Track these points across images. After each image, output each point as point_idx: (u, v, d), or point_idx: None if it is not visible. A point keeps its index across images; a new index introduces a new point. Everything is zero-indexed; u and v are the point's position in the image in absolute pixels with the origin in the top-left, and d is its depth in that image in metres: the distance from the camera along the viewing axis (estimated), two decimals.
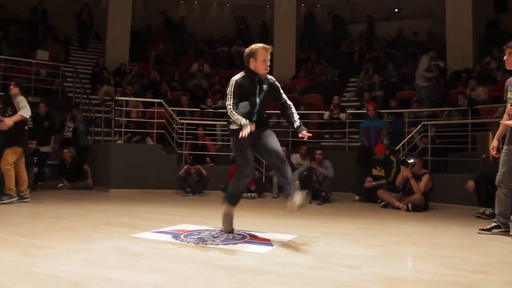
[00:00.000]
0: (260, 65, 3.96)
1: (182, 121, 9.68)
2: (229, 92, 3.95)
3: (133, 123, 9.63)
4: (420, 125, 8.67)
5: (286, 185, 3.90)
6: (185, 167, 8.69)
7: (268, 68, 4.01)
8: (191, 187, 8.53)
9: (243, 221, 5.25)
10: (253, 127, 3.77)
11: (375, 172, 8.13)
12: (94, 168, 9.26)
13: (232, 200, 4.23)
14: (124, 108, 9.65)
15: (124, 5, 14.12)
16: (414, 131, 8.76)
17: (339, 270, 2.93)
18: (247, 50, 4.03)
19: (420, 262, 3.30)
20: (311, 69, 13.96)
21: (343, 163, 8.96)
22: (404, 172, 7.11)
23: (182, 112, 10.67)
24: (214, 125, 10.57)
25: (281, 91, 4.13)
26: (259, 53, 3.94)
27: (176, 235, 3.98)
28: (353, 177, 8.77)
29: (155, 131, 9.38)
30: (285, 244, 3.77)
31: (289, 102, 4.13)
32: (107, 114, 10.25)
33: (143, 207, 4.79)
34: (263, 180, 9.08)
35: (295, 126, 4.04)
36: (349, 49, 14.70)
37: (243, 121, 3.74)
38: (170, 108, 9.75)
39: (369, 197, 7.85)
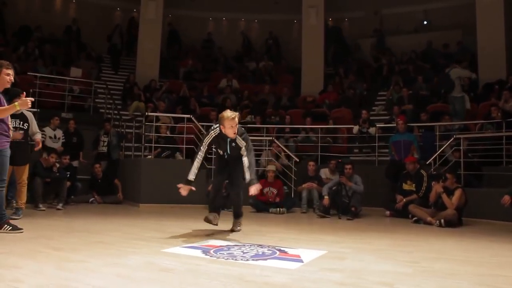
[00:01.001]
0: (228, 131, 4.87)
1: None
2: (204, 141, 5.09)
3: (162, 139, 9.76)
4: (452, 138, 8.50)
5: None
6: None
7: (236, 132, 4.89)
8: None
9: (272, 236, 5.26)
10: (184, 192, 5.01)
11: (405, 186, 7.99)
12: (124, 183, 9.41)
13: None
14: (154, 124, 9.79)
15: (154, 22, 14.42)
16: (445, 145, 8.58)
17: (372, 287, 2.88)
18: (220, 116, 4.95)
19: (457, 280, 3.20)
20: (339, 83, 13.91)
21: (373, 177, 8.85)
22: (436, 187, 6.97)
23: (211, 127, 10.73)
24: None
25: (243, 148, 4.97)
26: (225, 123, 4.83)
27: (205, 250, 4.00)
28: (383, 192, 8.64)
29: (184, 146, 9.48)
30: (316, 260, 3.73)
31: (246, 160, 4.97)
32: (138, 129, 10.44)
33: (173, 222, 4.84)
34: (292, 195, 9.02)
35: (246, 180, 4.96)
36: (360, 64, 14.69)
37: (190, 175, 5.00)
38: (200, 123, 9.85)
39: (400, 212, 7.72)
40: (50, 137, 8.97)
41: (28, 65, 12.22)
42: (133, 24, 15.64)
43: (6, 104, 4.75)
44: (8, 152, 4.73)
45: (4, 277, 2.89)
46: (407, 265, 3.63)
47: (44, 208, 7.48)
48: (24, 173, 6.30)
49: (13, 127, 6.10)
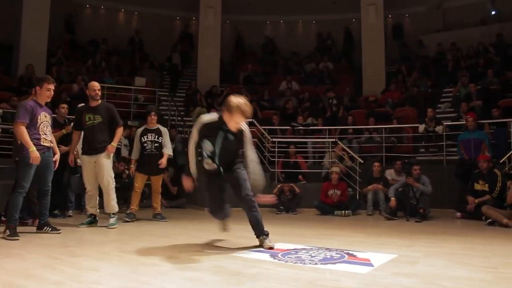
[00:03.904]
0: (231, 124, 4.11)
1: (273, 139, 9.80)
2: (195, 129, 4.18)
3: None
4: None
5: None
6: (279, 185, 8.76)
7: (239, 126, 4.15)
8: (284, 205, 8.57)
9: (339, 239, 5.19)
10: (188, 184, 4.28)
11: (477, 186, 7.61)
12: None
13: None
14: None
15: (213, 29, 14.70)
16: None
17: None
18: (228, 100, 4.09)
19: None
20: (402, 81, 13.53)
21: (441, 178, 8.52)
22: None
23: (273, 130, 10.80)
24: (305, 143, 10.58)
25: (246, 141, 4.21)
26: (236, 115, 4.04)
27: (273, 254, 4.00)
28: (453, 192, 8.30)
29: None
30: (386, 264, 3.64)
31: (253, 155, 4.24)
32: None
33: (239, 225, 4.88)
34: (357, 197, 8.87)
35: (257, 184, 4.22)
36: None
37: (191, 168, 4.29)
38: (262, 127, 9.92)
39: (473, 214, 7.37)
40: (125, 145, 9.40)
41: (96, 76, 12.79)
42: (186, 36, 15.98)
43: (48, 115, 5.27)
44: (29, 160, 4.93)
45: (85, 278, 3.05)
46: (485, 271, 3.45)
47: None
48: (158, 182, 7.16)
49: (149, 141, 6.94)
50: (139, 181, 7.04)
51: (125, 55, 15.33)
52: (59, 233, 5.22)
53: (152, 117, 7.04)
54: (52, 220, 6.23)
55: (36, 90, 5.18)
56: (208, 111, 11.76)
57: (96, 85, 6.11)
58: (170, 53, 15.32)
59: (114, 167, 8.15)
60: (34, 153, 4.90)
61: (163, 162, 7.02)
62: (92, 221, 6.12)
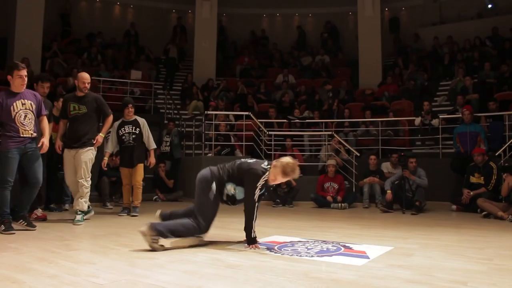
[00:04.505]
0: (276, 181, 4.12)
1: (270, 132, 9.80)
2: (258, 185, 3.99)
3: (222, 136, 9.90)
4: None
5: None
6: None
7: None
8: (280, 198, 8.58)
9: (335, 232, 5.21)
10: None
11: (473, 179, 7.64)
12: (186, 181, 9.62)
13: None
14: (213, 122, 9.95)
15: (209, 22, 14.65)
16: None
17: (443, 286, 2.77)
18: (284, 165, 3.99)
19: None
20: (398, 75, 13.54)
21: (437, 170, 8.54)
22: (508, 180, 6.64)
23: (270, 123, 10.80)
24: (302, 136, 10.59)
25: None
26: (284, 176, 4.01)
27: (270, 247, 4.01)
28: (449, 185, 8.33)
29: (244, 143, 9.58)
30: (382, 257, 3.66)
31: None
32: (197, 128, 10.63)
33: (235, 219, 4.88)
34: (353, 190, 8.89)
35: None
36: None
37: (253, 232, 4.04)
38: (258, 120, 9.91)
39: (468, 207, 7.41)
40: None
41: (92, 70, 12.74)
42: (182, 30, 15.91)
43: (27, 101, 4.93)
44: (12, 153, 4.77)
45: (81, 272, 3.05)
46: (479, 263, 3.47)
47: (111, 207, 7.80)
48: (138, 175, 6.70)
49: (126, 133, 6.64)
50: (125, 176, 6.80)
51: (121, 48, 15.24)
52: (34, 229, 4.93)
53: (130, 109, 6.80)
54: (48, 214, 6.25)
55: (8, 79, 4.93)
56: (205, 105, 11.77)
57: (86, 77, 5.90)
58: (167, 46, 15.22)
59: (111, 161, 8.13)
60: None
61: (152, 161, 6.92)
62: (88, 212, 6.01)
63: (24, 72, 4.89)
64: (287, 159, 4.02)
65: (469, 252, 3.95)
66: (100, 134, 5.91)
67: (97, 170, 7.18)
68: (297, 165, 4.02)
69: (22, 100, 4.90)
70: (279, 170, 3.96)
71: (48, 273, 2.98)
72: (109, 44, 14.94)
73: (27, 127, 4.89)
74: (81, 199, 5.71)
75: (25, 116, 4.88)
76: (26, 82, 4.97)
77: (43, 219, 5.82)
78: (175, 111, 12.17)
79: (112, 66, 13.70)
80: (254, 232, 4.01)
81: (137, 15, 16.62)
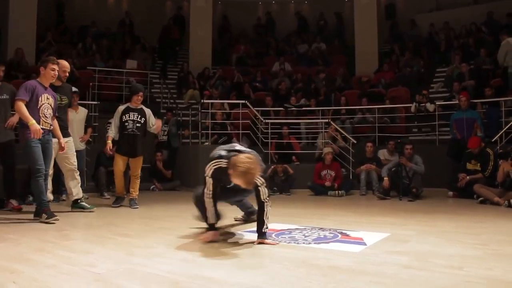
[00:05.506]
0: (236, 182, 3.54)
1: (266, 120, 9.79)
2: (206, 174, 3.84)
3: (218, 125, 9.89)
4: None
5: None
6: (272, 166, 8.78)
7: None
8: (278, 186, 8.60)
9: (332, 219, 5.24)
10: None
11: (470, 166, 7.66)
12: (183, 170, 9.62)
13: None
14: (209, 111, 9.92)
15: (204, 10, 14.55)
16: None
17: (439, 271, 2.79)
18: (232, 161, 3.49)
19: None
20: (395, 62, 13.50)
21: (434, 157, 8.57)
22: (504, 165, 6.66)
23: (266, 112, 10.78)
24: (299, 124, 10.59)
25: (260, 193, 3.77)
26: (234, 178, 3.49)
27: (267, 235, 4.02)
28: (445, 172, 8.36)
29: (240, 131, 9.57)
30: (379, 243, 3.68)
31: (264, 205, 3.75)
32: (194, 117, 10.61)
33: (232, 207, 4.89)
34: (350, 177, 8.91)
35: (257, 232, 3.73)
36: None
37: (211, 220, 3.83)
38: (254, 108, 9.89)
39: (465, 193, 7.44)
40: None
41: (87, 60, 12.67)
42: (177, 18, 15.80)
43: (51, 98, 5.15)
44: (35, 143, 4.84)
45: (79, 261, 3.06)
46: (475, 248, 3.50)
47: (109, 197, 7.79)
48: (137, 165, 6.59)
49: (130, 120, 6.43)
50: (119, 164, 6.46)
51: (116, 37, 15.11)
52: (56, 221, 4.91)
53: (139, 97, 6.49)
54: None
55: (40, 70, 5.09)
56: (201, 94, 11.73)
57: (67, 65, 5.77)
58: (162, 35, 15.09)
59: (107, 151, 8.09)
60: (34, 126, 4.76)
61: (158, 124, 6.70)
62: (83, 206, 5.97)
63: (57, 67, 5.18)
64: (241, 164, 3.43)
65: (466, 237, 3.98)
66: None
67: (94, 160, 7.16)
68: (249, 172, 3.43)
69: (48, 95, 5.11)
70: (232, 169, 3.50)
71: (46, 263, 2.99)
72: (104, 34, 14.81)
73: (47, 120, 5.09)
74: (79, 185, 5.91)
75: (48, 109, 5.09)
76: (56, 76, 5.25)
77: (19, 209, 5.85)
78: (171, 100, 12.12)
79: (107, 56, 13.60)
80: (209, 220, 3.80)
81: (132, 3, 16.43)
